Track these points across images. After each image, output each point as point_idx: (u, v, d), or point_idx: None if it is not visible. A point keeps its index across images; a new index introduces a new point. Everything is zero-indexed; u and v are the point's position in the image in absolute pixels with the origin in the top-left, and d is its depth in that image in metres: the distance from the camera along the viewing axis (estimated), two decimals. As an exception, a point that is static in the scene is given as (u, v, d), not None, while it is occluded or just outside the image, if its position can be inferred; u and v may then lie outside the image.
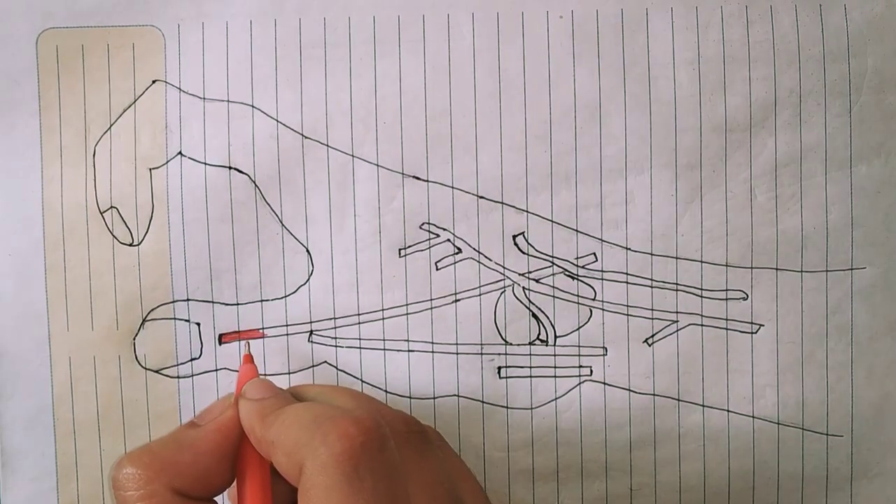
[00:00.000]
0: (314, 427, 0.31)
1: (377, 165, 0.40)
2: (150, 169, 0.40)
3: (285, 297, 0.40)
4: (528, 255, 0.40)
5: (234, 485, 0.35)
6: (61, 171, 0.40)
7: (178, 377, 0.41)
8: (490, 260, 0.40)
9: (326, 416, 0.31)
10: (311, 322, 0.41)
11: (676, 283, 0.40)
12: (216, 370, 0.41)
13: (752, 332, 0.41)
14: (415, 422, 0.34)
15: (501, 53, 0.40)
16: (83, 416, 0.41)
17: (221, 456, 0.34)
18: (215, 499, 0.34)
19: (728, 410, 0.41)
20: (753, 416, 0.41)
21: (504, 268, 0.40)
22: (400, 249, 0.40)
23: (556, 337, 0.41)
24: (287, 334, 0.41)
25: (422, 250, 0.40)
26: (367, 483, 0.29)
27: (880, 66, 0.40)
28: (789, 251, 0.40)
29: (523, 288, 0.40)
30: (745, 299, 0.41)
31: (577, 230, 0.40)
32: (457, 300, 0.41)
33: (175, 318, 0.40)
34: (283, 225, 0.40)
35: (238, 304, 0.40)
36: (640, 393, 0.41)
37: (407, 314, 0.41)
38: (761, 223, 0.40)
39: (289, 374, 0.41)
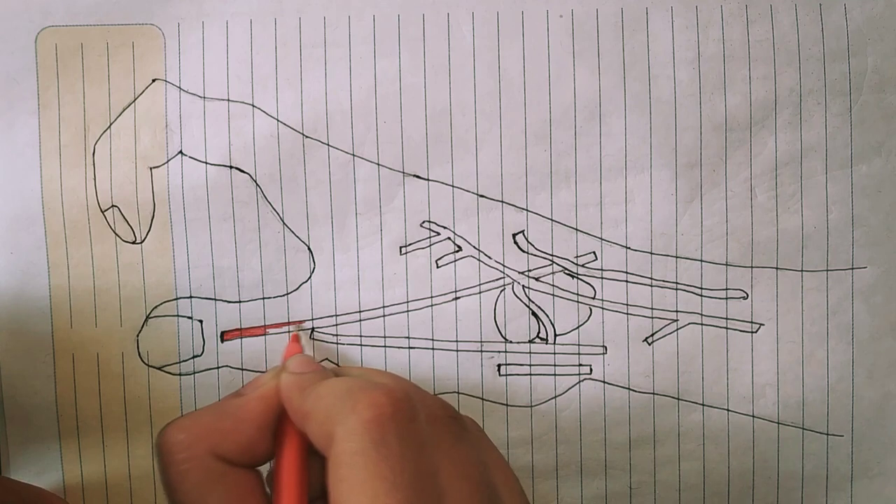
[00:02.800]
0: (346, 396, 0.31)
1: (378, 164, 0.40)
2: (151, 168, 0.40)
3: (287, 294, 0.41)
4: (527, 253, 0.40)
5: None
6: (60, 170, 0.40)
7: (181, 374, 0.41)
8: (490, 258, 0.40)
9: (358, 388, 0.32)
10: (312, 319, 0.41)
11: (676, 283, 0.40)
12: (218, 367, 0.41)
13: (752, 332, 0.41)
14: (452, 408, 0.34)
15: (501, 52, 0.40)
16: (86, 413, 0.41)
17: (262, 424, 0.34)
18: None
19: (728, 410, 0.41)
20: (753, 416, 0.41)
21: (504, 266, 0.41)
22: (401, 247, 0.41)
23: (555, 335, 0.41)
24: (289, 331, 0.41)
25: (422, 248, 0.41)
26: (394, 450, 0.29)
27: (880, 66, 0.39)
28: (789, 250, 0.40)
29: (523, 286, 0.41)
30: (745, 298, 0.41)
31: (576, 229, 0.40)
32: (457, 298, 0.41)
33: (178, 315, 0.41)
34: (284, 223, 0.40)
35: (240, 302, 0.41)
36: (639, 392, 0.41)
37: (408, 311, 0.41)
38: (761, 222, 0.40)
39: (290, 371, 0.41)
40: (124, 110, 0.40)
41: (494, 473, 0.32)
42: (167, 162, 0.40)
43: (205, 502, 0.32)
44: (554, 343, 0.41)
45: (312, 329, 0.41)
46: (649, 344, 0.41)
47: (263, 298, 0.41)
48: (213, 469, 0.33)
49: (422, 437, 0.31)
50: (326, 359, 0.41)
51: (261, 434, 0.34)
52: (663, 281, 0.40)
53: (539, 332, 0.41)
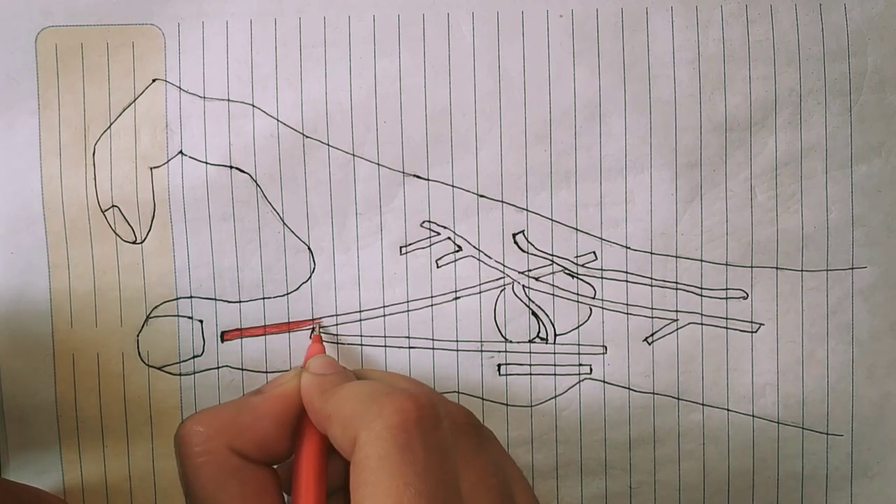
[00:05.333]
0: (370, 401, 0.31)
1: (378, 164, 0.40)
2: (151, 168, 0.40)
3: (287, 294, 0.41)
4: (528, 253, 0.40)
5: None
6: (60, 170, 0.40)
7: (181, 374, 0.41)
8: (490, 258, 0.40)
9: (383, 392, 0.32)
10: (312, 319, 0.41)
11: (676, 282, 0.40)
12: (218, 367, 0.41)
13: (752, 332, 0.41)
14: (474, 416, 0.34)
15: (501, 52, 0.40)
16: (86, 413, 0.41)
17: (280, 423, 0.35)
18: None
19: (728, 409, 0.41)
20: (753, 415, 0.41)
21: (504, 266, 0.41)
22: (401, 247, 0.41)
23: (555, 335, 0.41)
24: (289, 331, 0.41)
25: (422, 248, 0.41)
26: (418, 455, 0.29)
27: (880, 65, 0.39)
28: (790, 250, 0.40)
29: (523, 286, 0.41)
30: (745, 298, 0.41)
31: (576, 229, 0.40)
32: (457, 298, 0.41)
33: (178, 315, 0.41)
34: (284, 223, 0.40)
35: (240, 302, 0.41)
36: (639, 391, 0.41)
37: (408, 311, 0.41)
38: (761, 222, 0.40)
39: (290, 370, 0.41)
40: (124, 110, 0.40)
41: (512, 483, 0.33)
42: (167, 162, 0.40)
43: (219, 496, 0.33)
44: (554, 343, 0.41)
45: (313, 329, 0.41)
46: (649, 344, 0.41)
47: (264, 298, 0.41)
48: (229, 463, 0.33)
49: (446, 444, 0.31)
50: (328, 359, 0.41)
51: (279, 432, 0.34)
52: (663, 281, 0.40)
53: (539, 332, 0.41)
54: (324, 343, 0.40)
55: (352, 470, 0.30)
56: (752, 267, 0.40)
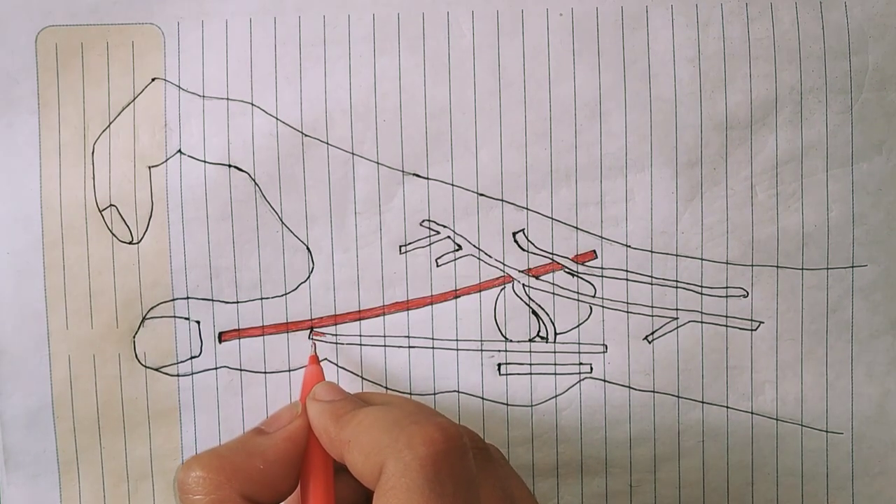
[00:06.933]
0: (397, 429, 0.31)
1: (377, 163, 0.40)
2: (150, 167, 0.40)
3: (285, 294, 0.40)
4: (528, 252, 0.40)
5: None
6: (60, 170, 0.40)
7: (178, 375, 0.41)
8: (490, 257, 0.40)
9: (410, 420, 0.32)
10: (311, 319, 0.41)
11: (676, 281, 0.40)
12: (216, 368, 0.41)
13: (752, 329, 0.41)
14: (479, 438, 0.34)
15: (501, 51, 0.40)
16: (83, 414, 0.41)
17: (290, 464, 0.34)
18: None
19: (727, 407, 0.41)
20: (752, 413, 0.41)
21: (504, 265, 0.40)
22: (400, 246, 0.40)
23: (556, 334, 0.41)
24: (287, 332, 0.41)
25: (422, 247, 0.40)
26: (447, 489, 0.30)
27: (881, 63, 0.40)
28: (790, 249, 0.40)
29: (523, 285, 0.40)
30: (745, 296, 0.41)
31: (577, 227, 0.40)
32: (457, 297, 0.41)
33: (175, 316, 0.40)
34: (283, 223, 0.40)
35: (238, 302, 0.40)
36: (639, 390, 0.41)
37: (408, 311, 0.41)
38: (762, 221, 0.40)
39: (289, 371, 0.41)
40: (124, 109, 0.40)
41: (519, 503, 0.33)
42: (166, 161, 0.40)
43: None
44: (554, 342, 0.41)
45: (311, 329, 0.41)
46: (649, 342, 0.41)
47: (262, 299, 0.40)
48: None
49: (471, 474, 0.31)
50: (325, 358, 0.41)
51: (288, 473, 0.34)
52: (663, 279, 0.40)
53: (539, 331, 0.41)
54: (321, 363, 0.40)
55: (376, 498, 0.30)
56: (752, 265, 0.40)
